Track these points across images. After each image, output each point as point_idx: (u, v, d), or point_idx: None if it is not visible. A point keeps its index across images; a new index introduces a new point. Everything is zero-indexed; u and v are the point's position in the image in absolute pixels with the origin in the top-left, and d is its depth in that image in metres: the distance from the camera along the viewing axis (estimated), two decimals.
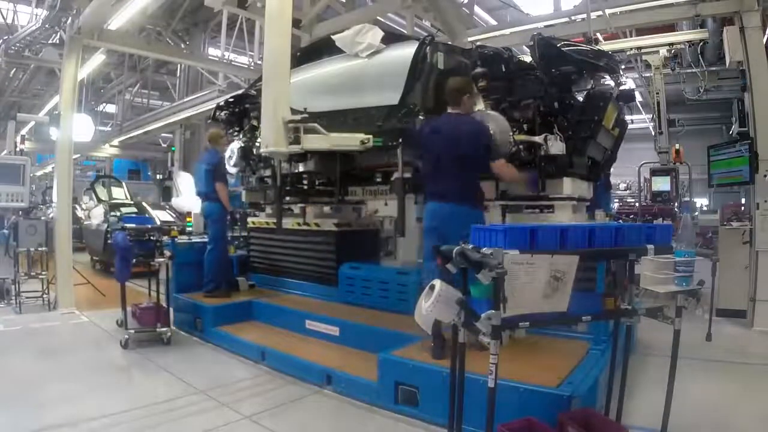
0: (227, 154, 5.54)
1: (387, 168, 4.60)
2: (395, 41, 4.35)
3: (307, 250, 5.52)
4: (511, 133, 3.64)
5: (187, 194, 10.82)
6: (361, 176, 5.15)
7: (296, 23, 6.97)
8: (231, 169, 5.55)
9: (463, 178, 3.39)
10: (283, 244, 5.77)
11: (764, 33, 5.84)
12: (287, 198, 5.56)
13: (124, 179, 14.65)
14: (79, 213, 11.90)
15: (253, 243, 6.27)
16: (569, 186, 3.84)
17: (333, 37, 4.51)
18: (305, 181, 5.56)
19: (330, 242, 5.29)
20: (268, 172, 5.44)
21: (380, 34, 4.29)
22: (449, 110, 3.49)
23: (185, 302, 5.36)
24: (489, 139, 3.41)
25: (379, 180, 4.96)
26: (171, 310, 5.13)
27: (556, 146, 3.67)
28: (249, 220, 6.34)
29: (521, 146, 3.74)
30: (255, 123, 5.18)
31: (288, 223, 5.54)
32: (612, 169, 4.73)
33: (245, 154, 5.42)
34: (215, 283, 5.38)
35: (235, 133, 5.75)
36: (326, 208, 5.66)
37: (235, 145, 5.50)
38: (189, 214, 9.48)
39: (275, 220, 5.30)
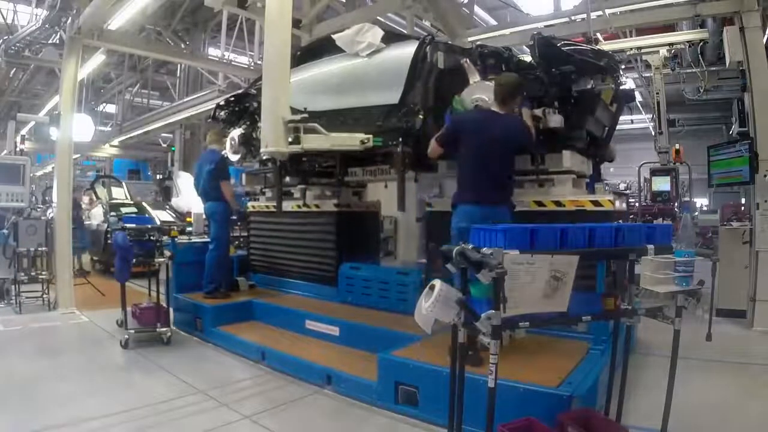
0: (228, 143, 5.52)
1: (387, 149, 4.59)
2: (395, 41, 4.35)
3: (307, 232, 5.54)
4: None
5: (187, 194, 10.84)
6: (361, 156, 5.15)
7: (296, 23, 6.97)
8: (232, 157, 5.49)
9: (506, 180, 3.39)
10: (282, 227, 5.79)
11: (764, 33, 5.84)
12: (287, 179, 5.57)
13: (124, 179, 14.64)
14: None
15: (252, 228, 6.27)
16: (568, 159, 3.86)
17: (333, 36, 4.51)
18: (305, 163, 5.53)
19: (330, 223, 5.30)
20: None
21: (380, 33, 4.29)
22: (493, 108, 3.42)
23: (185, 302, 5.36)
24: (531, 136, 3.44)
25: (379, 160, 4.96)
26: (171, 310, 5.12)
27: (555, 119, 3.68)
28: (249, 204, 6.36)
29: None
30: (255, 104, 5.13)
31: (288, 206, 5.56)
32: (612, 169, 4.75)
33: (246, 140, 5.40)
34: (215, 284, 5.37)
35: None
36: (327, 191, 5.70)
37: (236, 132, 5.48)
38: (189, 214, 9.48)
39: (275, 203, 5.32)
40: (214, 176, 5.38)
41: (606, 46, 7.89)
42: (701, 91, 12.38)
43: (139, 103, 16.00)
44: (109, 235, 8.45)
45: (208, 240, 5.58)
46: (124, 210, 10.05)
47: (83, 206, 10.28)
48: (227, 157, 5.47)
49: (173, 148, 16.08)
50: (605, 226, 2.45)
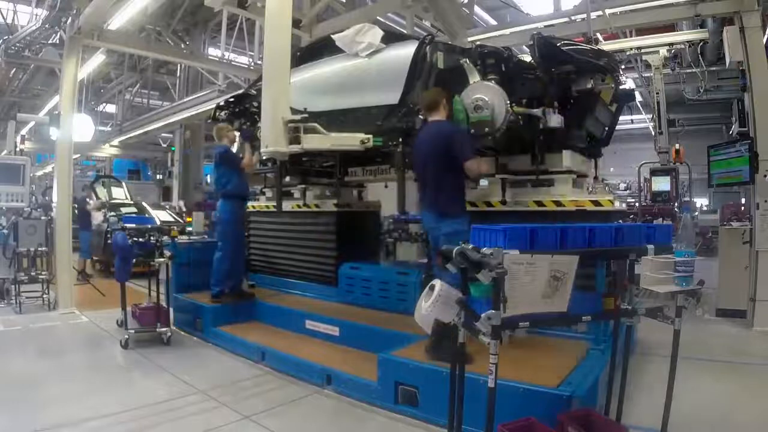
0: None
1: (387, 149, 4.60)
2: (395, 41, 4.35)
3: (307, 232, 5.54)
4: (507, 103, 3.61)
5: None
6: (361, 156, 5.15)
7: (296, 23, 6.97)
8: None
9: (444, 188, 3.48)
10: (282, 227, 5.79)
11: (764, 33, 5.84)
12: (287, 178, 5.56)
13: (124, 179, 14.64)
14: None
15: (252, 228, 6.27)
16: (568, 159, 3.85)
17: (333, 36, 4.51)
18: (305, 163, 5.47)
19: (330, 223, 5.30)
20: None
21: (380, 33, 4.29)
22: (429, 119, 3.57)
23: (185, 302, 5.35)
24: (458, 140, 3.45)
25: (379, 160, 4.95)
26: (171, 310, 5.12)
27: (554, 119, 3.67)
28: (249, 204, 6.35)
29: (520, 118, 3.72)
30: (255, 104, 5.12)
31: (288, 206, 5.56)
32: (612, 169, 4.78)
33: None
34: (220, 287, 5.17)
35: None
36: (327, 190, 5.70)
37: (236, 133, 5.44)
38: (189, 213, 9.48)
39: (275, 203, 5.31)
40: (221, 169, 5.18)
41: (606, 46, 7.90)
42: (701, 91, 12.41)
43: (139, 103, 16.01)
44: (109, 235, 8.45)
45: (209, 240, 5.52)
46: (124, 210, 10.05)
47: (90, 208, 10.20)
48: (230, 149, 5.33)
49: (173, 148, 16.08)
50: (605, 226, 2.45)
